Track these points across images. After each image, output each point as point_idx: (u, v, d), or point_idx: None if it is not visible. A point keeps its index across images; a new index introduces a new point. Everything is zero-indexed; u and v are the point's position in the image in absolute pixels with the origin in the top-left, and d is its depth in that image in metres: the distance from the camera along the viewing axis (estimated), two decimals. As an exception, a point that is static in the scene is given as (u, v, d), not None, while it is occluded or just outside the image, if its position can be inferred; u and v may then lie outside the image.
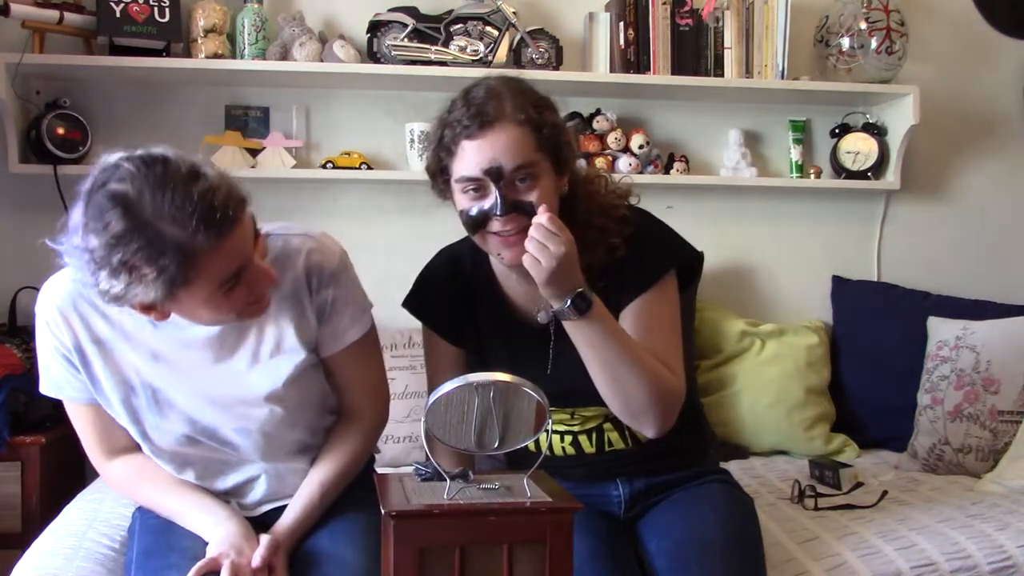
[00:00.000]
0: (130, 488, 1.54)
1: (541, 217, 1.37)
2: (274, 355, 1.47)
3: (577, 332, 1.44)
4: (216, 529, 1.44)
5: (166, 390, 1.45)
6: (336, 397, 1.59)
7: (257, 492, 1.55)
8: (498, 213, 1.42)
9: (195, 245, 1.23)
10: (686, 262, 1.60)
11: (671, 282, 1.57)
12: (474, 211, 1.45)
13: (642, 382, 1.46)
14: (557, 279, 1.37)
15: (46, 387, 1.50)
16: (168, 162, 1.25)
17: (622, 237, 1.53)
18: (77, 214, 1.25)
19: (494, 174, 1.41)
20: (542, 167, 1.45)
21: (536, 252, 1.36)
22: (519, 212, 1.42)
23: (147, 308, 1.30)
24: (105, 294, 1.26)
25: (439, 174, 1.51)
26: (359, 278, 1.58)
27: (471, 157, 1.43)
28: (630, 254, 1.53)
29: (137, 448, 1.52)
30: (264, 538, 1.42)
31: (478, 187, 1.44)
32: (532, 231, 1.37)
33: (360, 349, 1.55)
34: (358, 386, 1.58)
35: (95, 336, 1.43)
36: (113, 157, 1.27)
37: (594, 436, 1.63)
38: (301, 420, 1.53)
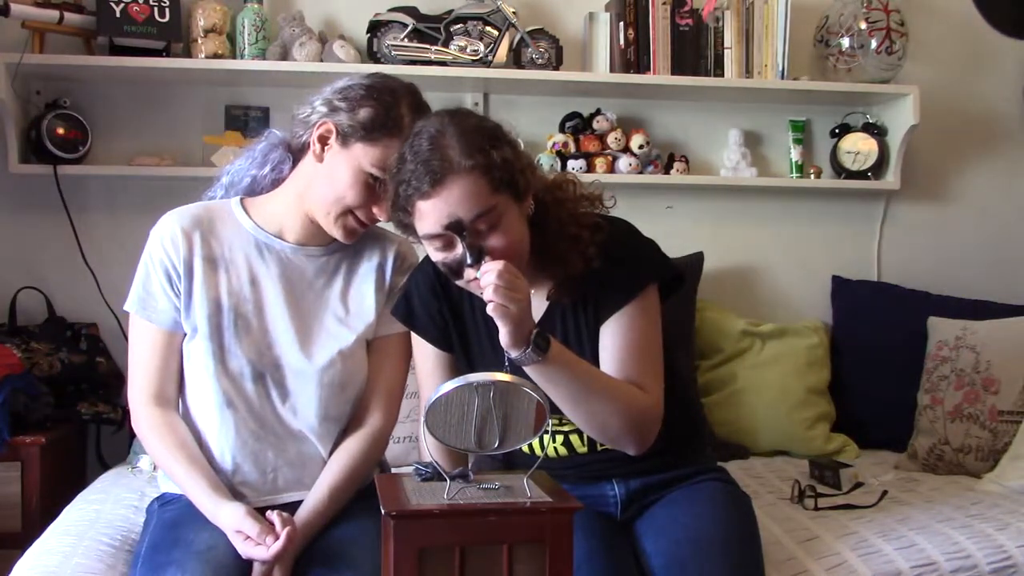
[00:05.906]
0: (152, 437, 1.56)
1: (498, 264, 1.35)
2: (352, 311, 1.63)
3: (539, 374, 1.42)
4: (222, 506, 1.47)
5: (250, 316, 1.57)
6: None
7: (269, 479, 1.57)
8: (469, 264, 1.41)
9: (403, 125, 1.51)
10: (666, 277, 1.60)
11: (652, 294, 1.57)
12: (448, 261, 1.46)
13: (614, 409, 1.47)
14: (523, 322, 1.36)
15: (132, 303, 1.58)
16: None
17: (596, 245, 1.51)
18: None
19: (455, 227, 1.41)
20: (502, 206, 1.43)
21: (505, 300, 1.33)
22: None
23: (323, 138, 1.55)
24: (327, 103, 1.57)
25: (406, 230, 1.51)
26: None
27: (429, 216, 1.42)
28: (607, 266, 1.52)
29: (176, 409, 1.59)
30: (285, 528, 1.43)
31: (444, 241, 1.45)
32: (495, 279, 1.34)
33: (399, 344, 1.67)
34: (379, 383, 1.65)
35: (208, 254, 1.57)
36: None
37: (585, 434, 1.62)
38: (351, 388, 1.62)
